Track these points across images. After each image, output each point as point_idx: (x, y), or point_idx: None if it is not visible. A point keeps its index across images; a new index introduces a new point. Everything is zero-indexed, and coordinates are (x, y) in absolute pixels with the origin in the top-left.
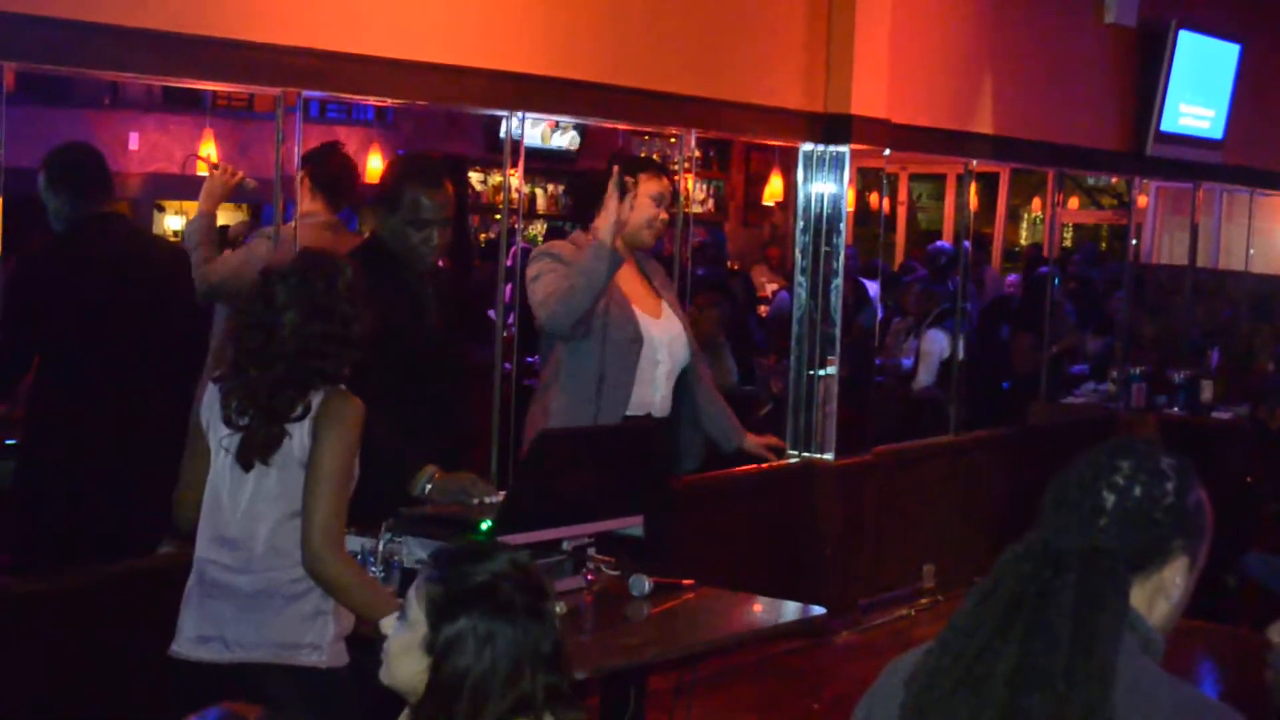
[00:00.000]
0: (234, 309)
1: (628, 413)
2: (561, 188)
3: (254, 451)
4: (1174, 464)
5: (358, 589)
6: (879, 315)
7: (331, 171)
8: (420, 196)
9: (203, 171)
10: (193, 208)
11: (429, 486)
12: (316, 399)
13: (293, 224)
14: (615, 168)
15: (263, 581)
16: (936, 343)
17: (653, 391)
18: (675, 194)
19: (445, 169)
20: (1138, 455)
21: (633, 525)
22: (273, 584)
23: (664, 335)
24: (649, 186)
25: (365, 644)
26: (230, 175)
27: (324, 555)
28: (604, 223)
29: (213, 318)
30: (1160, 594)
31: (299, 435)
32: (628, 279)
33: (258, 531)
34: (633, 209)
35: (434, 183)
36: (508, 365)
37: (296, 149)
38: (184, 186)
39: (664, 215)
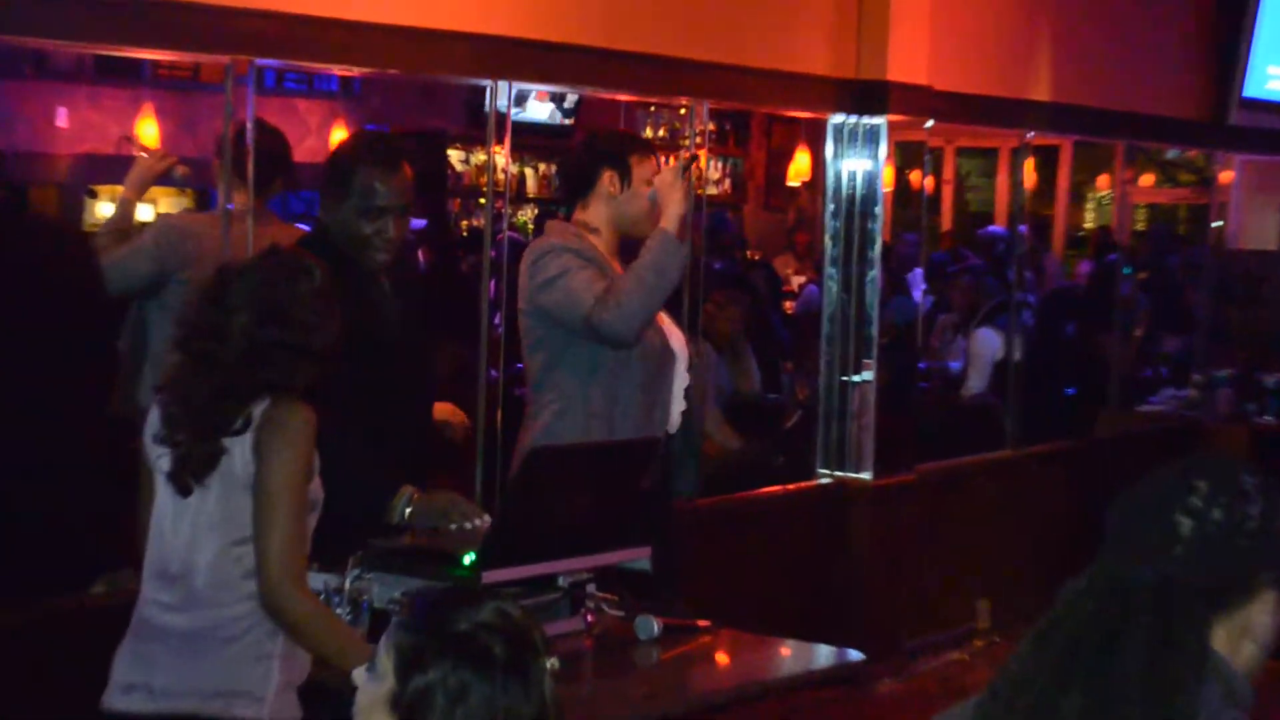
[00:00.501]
0: (179, 310)
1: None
2: (554, 167)
3: (188, 472)
4: (1259, 483)
5: (325, 631)
6: (922, 310)
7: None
8: (373, 181)
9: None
10: None
11: (409, 510)
12: (259, 410)
13: (210, 213)
14: (684, 153)
15: (202, 620)
16: (989, 342)
17: (676, 410)
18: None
19: (403, 149)
20: (1217, 473)
21: (639, 558)
22: (212, 623)
23: (679, 345)
24: (643, 170)
25: (331, 696)
26: (159, 159)
27: (283, 590)
28: (672, 212)
29: (125, 319)
30: (1246, 635)
31: (240, 452)
32: None
33: (197, 564)
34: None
35: (389, 165)
36: (494, 372)
37: (248, 126)
38: (120, 169)
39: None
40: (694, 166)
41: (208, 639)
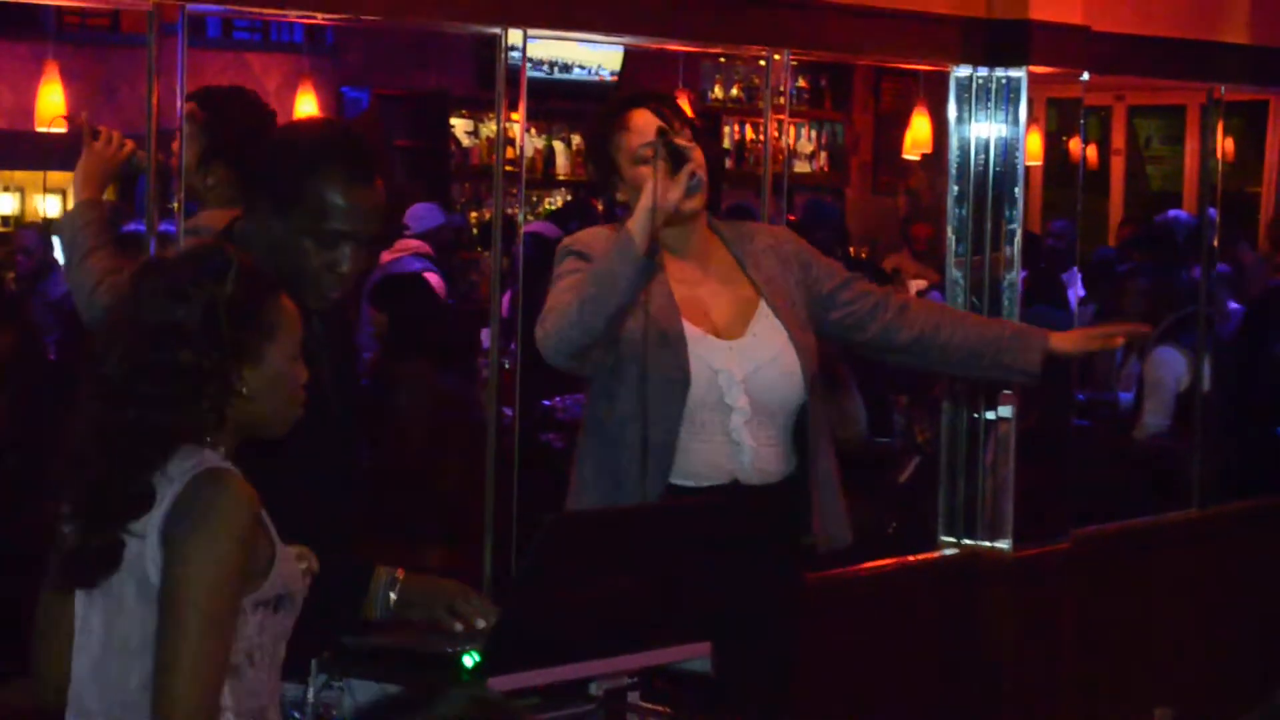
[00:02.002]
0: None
1: (691, 484)
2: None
3: (78, 573)
4: None
5: None
6: (1081, 323)
7: (238, 125)
8: (335, 195)
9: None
10: (29, 180)
11: (393, 596)
12: (170, 483)
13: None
14: (657, 124)
15: None
16: (1172, 366)
17: (734, 452)
18: (695, 129)
19: (373, 154)
20: None
21: (697, 656)
22: None
23: (741, 364)
24: (631, 136)
25: None
26: (118, 146)
27: None
28: (640, 204)
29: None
30: None
31: (148, 540)
32: (685, 276)
33: (112, 705)
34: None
35: (360, 175)
36: (508, 411)
37: (179, 90)
38: (16, 148)
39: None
40: (678, 142)
41: None
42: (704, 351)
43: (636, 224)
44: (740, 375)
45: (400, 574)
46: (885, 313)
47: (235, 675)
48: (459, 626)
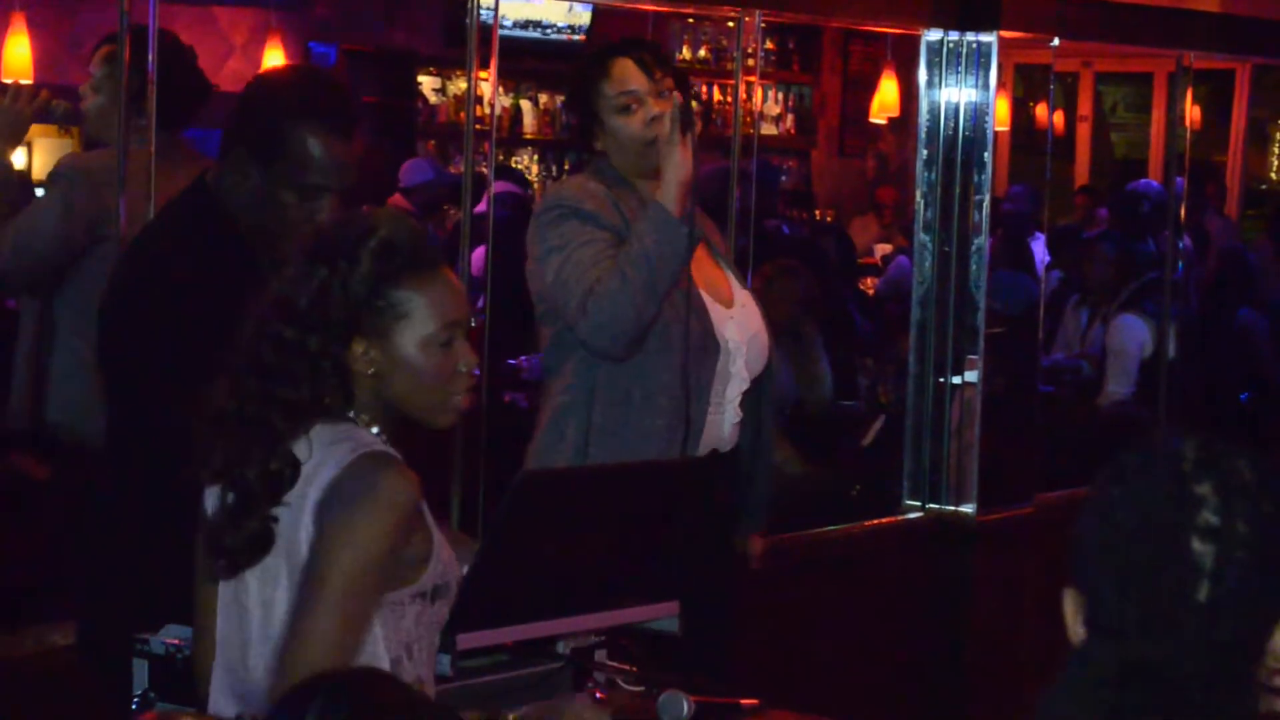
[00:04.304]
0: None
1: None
2: (561, 98)
3: (231, 554)
4: (1254, 461)
5: None
6: (1046, 290)
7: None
8: (317, 148)
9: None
10: None
11: None
12: (320, 460)
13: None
14: (677, 95)
15: None
16: (1134, 333)
17: (723, 421)
18: (678, 78)
19: (353, 108)
20: (1219, 468)
21: (665, 615)
22: None
23: (742, 336)
24: (612, 85)
25: None
26: (26, 99)
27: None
28: (669, 178)
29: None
30: None
31: (302, 517)
32: None
33: (256, 677)
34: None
35: (341, 129)
36: (477, 371)
37: (150, 43)
38: None
39: (656, 108)
40: (691, 110)
41: None
42: (717, 320)
43: (672, 198)
44: (742, 343)
45: None
46: None
47: (395, 668)
48: None
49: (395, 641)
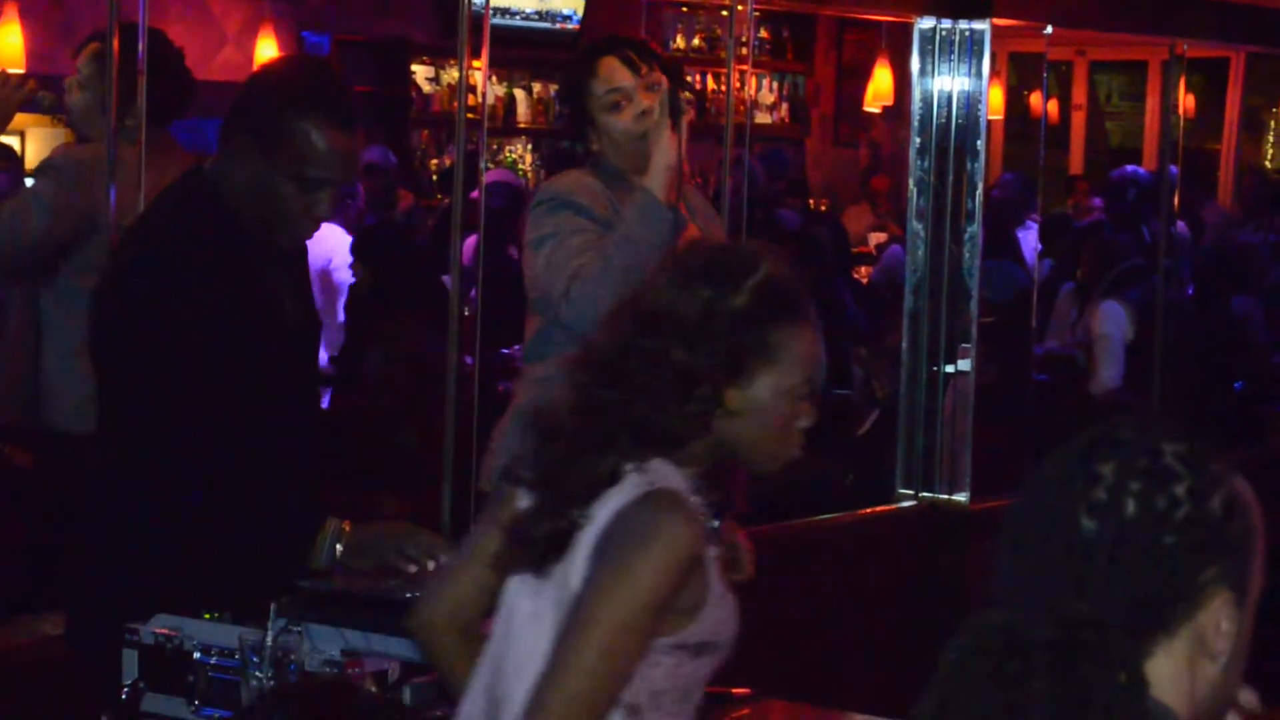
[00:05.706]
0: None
1: None
2: (555, 87)
3: (526, 550)
4: (1184, 451)
5: None
6: (1040, 277)
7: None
8: (321, 141)
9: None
10: None
11: (339, 548)
12: (620, 491)
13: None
14: (665, 82)
15: None
16: (1115, 319)
17: None
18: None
19: (355, 100)
20: (1126, 449)
21: None
22: None
23: None
24: (600, 84)
25: None
26: (14, 86)
27: None
28: (656, 163)
29: None
30: (1201, 653)
31: (580, 548)
32: None
33: (514, 698)
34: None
35: (344, 123)
36: (470, 359)
37: (141, 32)
38: None
39: (645, 102)
40: (680, 97)
41: None
42: None
43: (658, 184)
44: None
45: (347, 526)
46: None
47: (634, 715)
48: (411, 568)
49: (639, 689)
